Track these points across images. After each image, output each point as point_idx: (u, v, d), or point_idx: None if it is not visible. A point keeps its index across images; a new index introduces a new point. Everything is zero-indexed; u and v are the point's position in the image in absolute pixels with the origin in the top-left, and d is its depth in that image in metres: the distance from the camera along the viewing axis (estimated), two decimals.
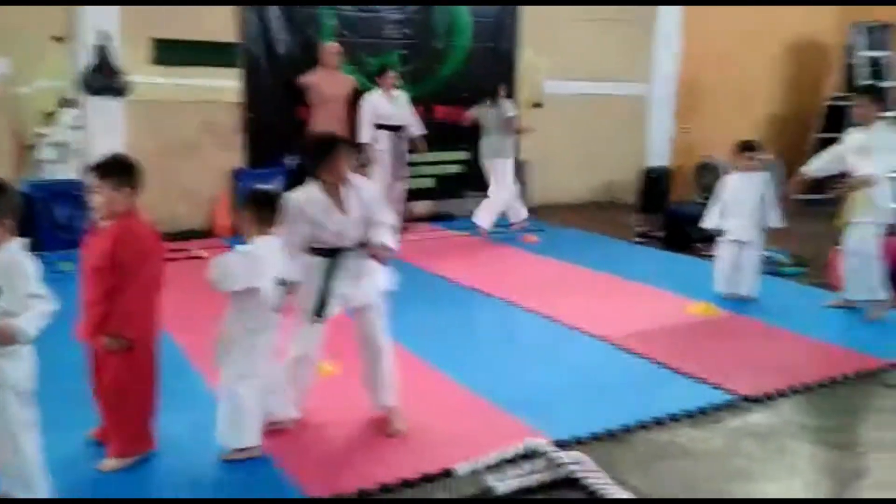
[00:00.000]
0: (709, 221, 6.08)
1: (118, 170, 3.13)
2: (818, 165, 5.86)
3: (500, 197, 8.43)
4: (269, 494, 3.09)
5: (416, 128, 8.48)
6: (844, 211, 5.53)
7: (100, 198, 3.10)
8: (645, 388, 4.23)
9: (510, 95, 9.79)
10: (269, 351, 3.39)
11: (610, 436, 3.64)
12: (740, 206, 5.85)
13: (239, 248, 3.32)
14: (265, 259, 3.27)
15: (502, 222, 8.51)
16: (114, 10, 7.51)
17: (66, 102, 8.07)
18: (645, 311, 5.63)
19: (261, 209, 3.37)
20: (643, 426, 3.74)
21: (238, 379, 3.26)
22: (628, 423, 3.73)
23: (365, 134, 8.27)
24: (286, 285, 3.32)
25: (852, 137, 5.56)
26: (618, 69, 10.72)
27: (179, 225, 7.74)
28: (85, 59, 7.51)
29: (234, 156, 8.38)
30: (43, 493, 2.82)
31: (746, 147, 5.95)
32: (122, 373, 3.13)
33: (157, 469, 3.24)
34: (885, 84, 9.99)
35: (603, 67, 10.53)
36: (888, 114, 5.76)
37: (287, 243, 3.39)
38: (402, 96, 8.41)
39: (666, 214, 8.56)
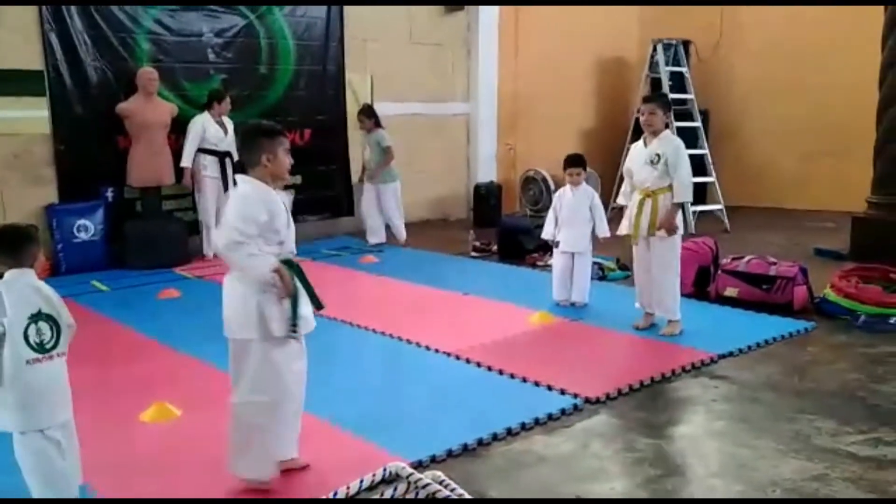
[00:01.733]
0: (546, 233, 6.36)
1: None
2: (625, 194, 5.65)
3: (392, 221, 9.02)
4: None
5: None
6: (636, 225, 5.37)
7: None
8: (495, 400, 4.30)
9: (341, 117, 9.81)
10: None
11: (466, 451, 3.66)
12: (573, 219, 6.15)
13: None
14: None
15: (341, 244, 8.46)
16: None
17: None
18: (487, 323, 5.75)
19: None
20: (497, 438, 3.80)
21: None
22: (482, 437, 3.77)
23: (186, 157, 8.02)
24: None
25: (637, 152, 5.43)
26: (442, 90, 11.01)
27: None
28: None
29: (46, 191, 7.80)
30: None
31: (572, 162, 6.24)
32: None
33: None
34: (685, 97, 10.83)
35: (428, 89, 10.78)
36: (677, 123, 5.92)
37: None
38: (229, 123, 8.21)
39: (499, 228, 8.82)
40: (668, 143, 5.28)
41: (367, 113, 8.96)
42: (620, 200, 5.75)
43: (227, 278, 3.27)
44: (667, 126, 5.41)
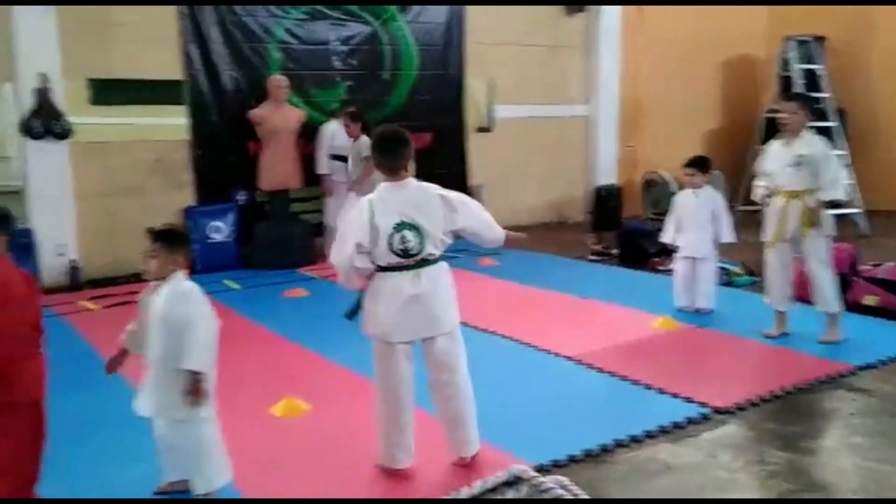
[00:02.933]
0: (666, 237, 6.19)
1: None
2: (763, 191, 5.42)
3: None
4: None
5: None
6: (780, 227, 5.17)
7: None
8: (618, 406, 4.24)
9: (458, 121, 9.90)
10: None
11: (589, 457, 3.62)
12: (693, 223, 5.97)
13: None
14: None
15: (459, 246, 8.50)
16: (54, 52, 7.35)
17: None
18: (608, 328, 5.67)
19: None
20: (621, 444, 3.74)
21: None
22: (605, 443, 3.72)
23: (322, 165, 8.27)
24: None
25: (778, 150, 5.23)
26: (560, 92, 10.92)
27: (131, 267, 7.53)
28: (24, 102, 7.33)
29: (185, 194, 8.25)
30: None
31: (692, 164, 6.07)
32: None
33: None
34: (819, 95, 10.31)
35: (547, 91, 10.73)
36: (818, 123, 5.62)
37: None
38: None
39: (620, 231, 8.67)
40: (814, 145, 5.09)
41: (355, 117, 7.90)
42: (756, 198, 5.54)
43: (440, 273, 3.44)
44: (806, 126, 5.19)
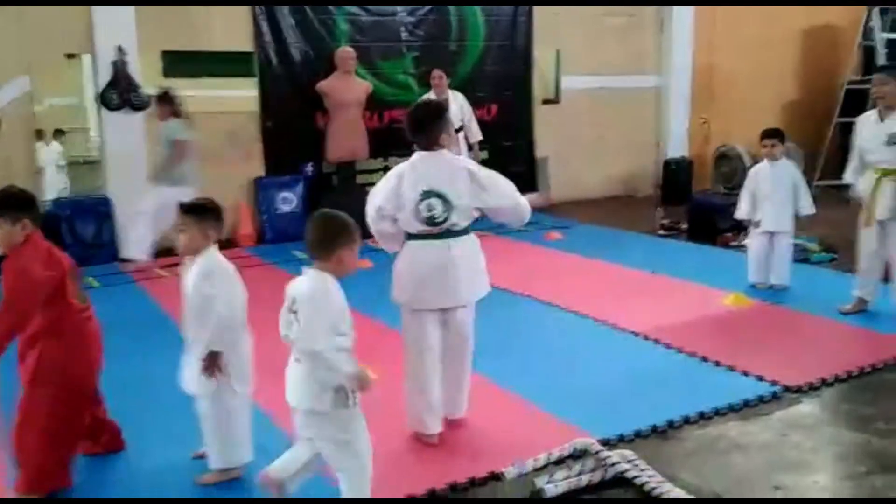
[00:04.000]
0: (740, 212, 6.02)
1: (10, 205, 3.07)
2: (853, 172, 5.25)
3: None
4: (312, 495, 3.05)
5: (473, 133, 8.35)
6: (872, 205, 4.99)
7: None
8: (687, 383, 4.17)
9: (525, 92, 9.78)
10: None
11: (656, 432, 3.59)
12: (771, 196, 5.78)
13: None
14: None
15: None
16: (130, 25, 7.53)
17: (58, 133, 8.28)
18: (678, 304, 5.57)
19: None
20: (689, 421, 3.68)
21: None
22: (674, 419, 3.67)
23: None
24: None
25: (870, 128, 5.00)
26: (632, 62, 10.68)
27: None
28: (102, 75, 7.53)
29: (254, 165, 8.39)
30: None
31: (771, 135, 5.87)
32: (26, 404, 3.06)
33: None
34: None
35: (617, 61, 10.49)
36: None
37: None
38: (458, 97, 8.28)
39: (690, 206, 8.48)
40: None
41: (165, 98, 6.98)
42: (847, 178, 5.33)
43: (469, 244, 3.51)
44: None
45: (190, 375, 3.16)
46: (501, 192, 3.51)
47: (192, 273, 3.11)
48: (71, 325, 3.09)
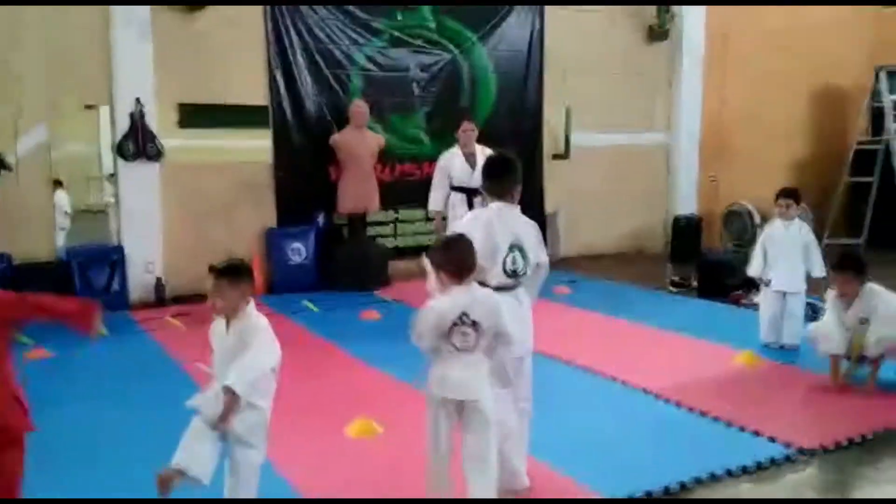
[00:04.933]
0: (753, 269, 6.02)
1: None
2: None
3: None
4: None
5: None
6: None
7: None
8: (697, 443, 4.11)
9: (535, 148, 9.88)
10: None
11: (667, 493, 3.53)
12: (784, 256, 5.80)
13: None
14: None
15: None
16: (148, 77, 7.68)
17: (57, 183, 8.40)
18: (688, 361, 5.54)
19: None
20: (700, 482, 3.63)
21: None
22: (684, 480, 3.62)
23: (434, 198, 7.23)
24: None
25: None
26: (641, 119, 10.80)
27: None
28: (119, 125, 7.66)
29: (266, 215, 8.45)
30: None
31: (787, 195, 5.90)
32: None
33: None
34: None
35: (626, 118, 10.60)
36: None
37: None
38: (487, 153, 6.79)
39: (700, 262, 8.48)
40: None
41: None
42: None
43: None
44: None
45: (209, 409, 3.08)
46: (543, 248, 3.62)
47: (233, 333, 3.08)
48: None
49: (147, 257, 7.80)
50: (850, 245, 10.15)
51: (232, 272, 3.13)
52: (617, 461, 3.88)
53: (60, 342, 5.69)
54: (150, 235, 7.85)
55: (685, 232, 10.25)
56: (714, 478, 3.67)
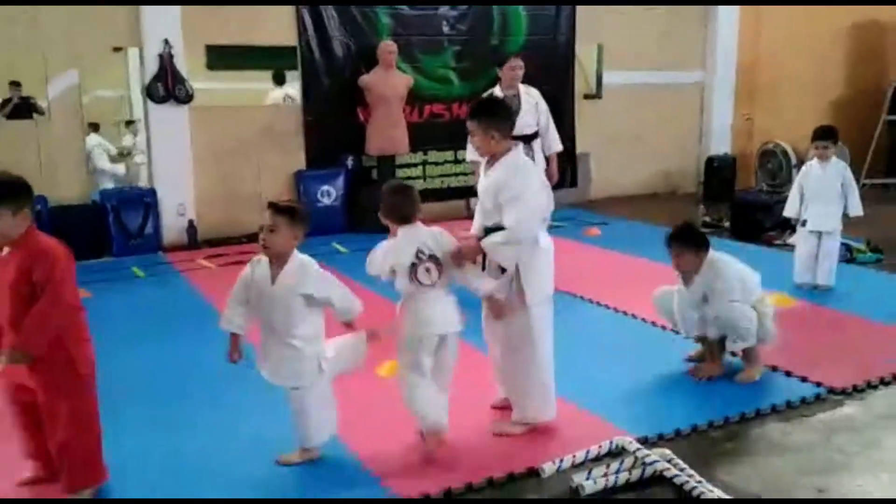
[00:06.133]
0: (789, 210, 5.94)
1: (13, 194, 2.81)
2: None
3: None
4: (356, 494, 3.09)
5: (551, 142, 6.50)
6: None
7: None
8: (729, 383, 4.11)
9: (566, 87, 9.70)
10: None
11: (696, 432, 3.55)
12: (821, 196, 5.71)
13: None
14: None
15: (565, 216, 8.43)
16: (176, 19, 7.64)
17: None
18: None
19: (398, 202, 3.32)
20: (730, 421, 3.64)
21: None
22: (714, 419, 3.63)
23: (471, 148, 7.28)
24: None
25: None
26: (675, 58, 10.56)
27: (244, 228, 7.83)
28: (148, 68, 7.65)
29: (296, 158, 8.46)
30: None
31: (821, 135, 5.77)
32: (66, 406, 2.91)
33: None
34: None
35: (660, 56, 10.37)
36: None
37: None
38: (532, 94, 6.52)
39: (733, 203, 8.36)
40: None
41: None
42: None
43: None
44: None
45: (281, 371, 3.18)
46: None
47: (289, 273, 3.13)
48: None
49: (178, 200, 7.87)
50: (888, 184, 9.95)
51: (292, 211, 3.16)
52: (647, 401, 3.92)
53: (98, 282, 5.80)
54: (180, 178, 7.90)
55: (718, 172, 10.11)
56: (744, 417, 3.68)
